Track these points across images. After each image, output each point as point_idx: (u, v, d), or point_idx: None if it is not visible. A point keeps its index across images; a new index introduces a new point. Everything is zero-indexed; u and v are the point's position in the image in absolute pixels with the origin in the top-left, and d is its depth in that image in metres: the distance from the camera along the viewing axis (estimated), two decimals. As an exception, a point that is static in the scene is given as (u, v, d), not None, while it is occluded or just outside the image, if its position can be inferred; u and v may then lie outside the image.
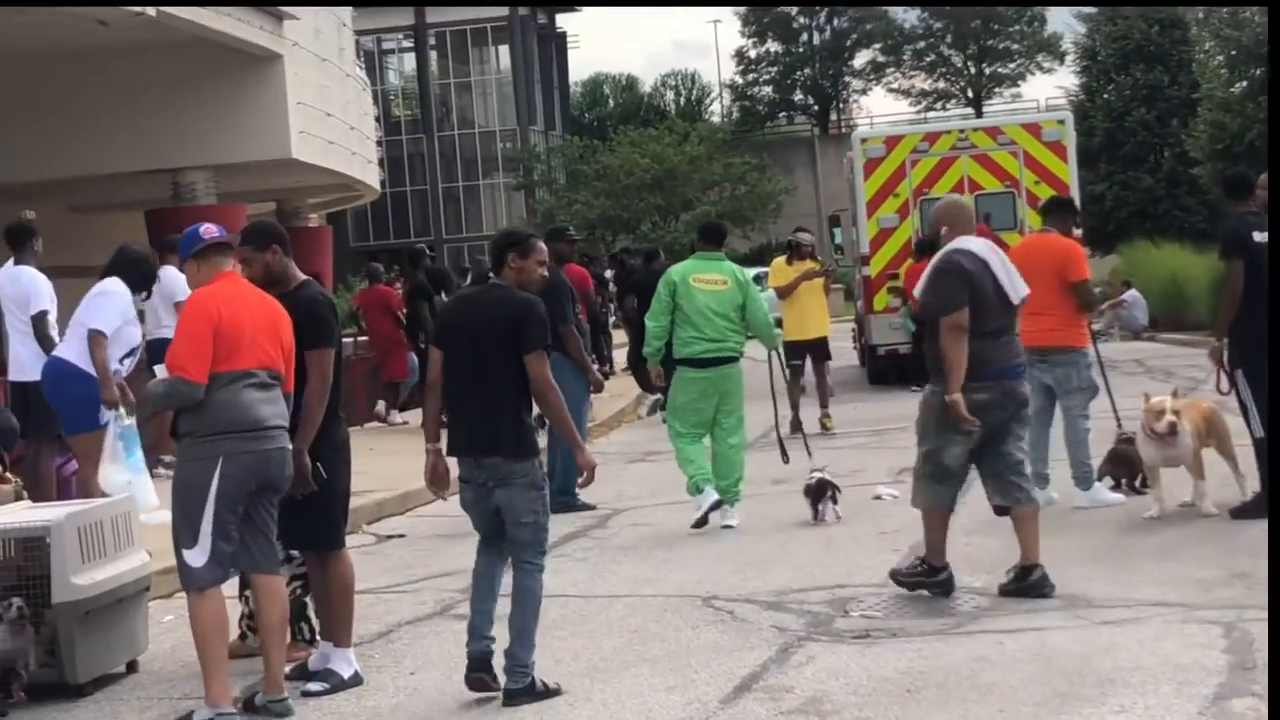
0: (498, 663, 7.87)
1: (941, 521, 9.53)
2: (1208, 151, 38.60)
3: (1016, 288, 9.60)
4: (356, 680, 8.22)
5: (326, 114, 25.91)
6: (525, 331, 7.77)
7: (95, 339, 11.16)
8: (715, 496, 12.31)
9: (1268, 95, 28.75)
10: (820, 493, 12.17)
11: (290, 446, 7.80)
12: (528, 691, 7.71)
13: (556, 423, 8.11)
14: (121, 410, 10.96)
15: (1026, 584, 9.26)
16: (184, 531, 7.56)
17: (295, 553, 8.50)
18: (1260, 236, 11.26)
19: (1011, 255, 13.27)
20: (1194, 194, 43.87)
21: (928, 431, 9.46)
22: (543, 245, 8.18)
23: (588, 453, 8.30)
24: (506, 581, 8.05)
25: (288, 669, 8.47)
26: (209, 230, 7.89)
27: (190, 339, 7.57)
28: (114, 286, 11.45)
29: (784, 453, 13.29)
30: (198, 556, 7.51)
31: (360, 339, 22.24)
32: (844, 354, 26.29)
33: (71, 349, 11.31)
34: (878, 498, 13.24)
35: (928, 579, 9.44)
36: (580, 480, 8.34)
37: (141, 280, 11.78)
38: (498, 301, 7.88)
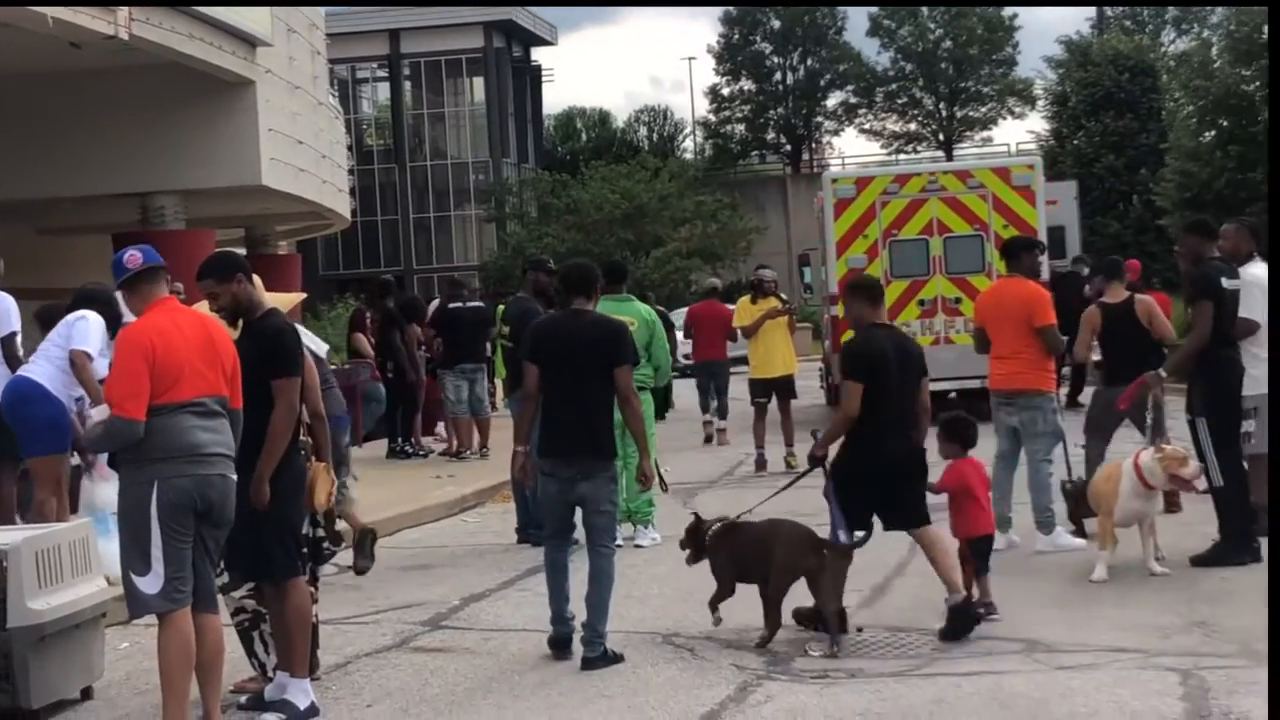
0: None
1: None
2: (1175, 200, 38.85)
3: None
4: (313, 712, 8.18)
5: (298, 141, 25.87)
6: (620, 349, 9.30)
7: (79, 358, 11.09)
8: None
9: (1268, 95, 28.95)
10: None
11: (234, 478, 7.70)
12: (603, 658, 9.03)
13: (635, 429, 9.46)
14: None
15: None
16: (135, 558, 7.48)
17: (237, 586, 8.46)
18: (1228, 283, 11.35)
19: (979, 300, 13.47)
20: (1161, 242, 44.10)
21: None
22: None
23: (650, 462, 9.59)
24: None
25: (243, 699, 8.46)
26: (133, 258, 7.73)
27: (125, 376, 7.45)
28: (92, 315, 11.37)
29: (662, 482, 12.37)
30: (151, 583, 7.45)
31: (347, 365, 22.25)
32: (811, 392, 26.32)
33: (41, 370, 11.19)
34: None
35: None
36: (639, 488, 9.90)
37: (107, 318, 11.53)
38: (592, 324, 9.43)
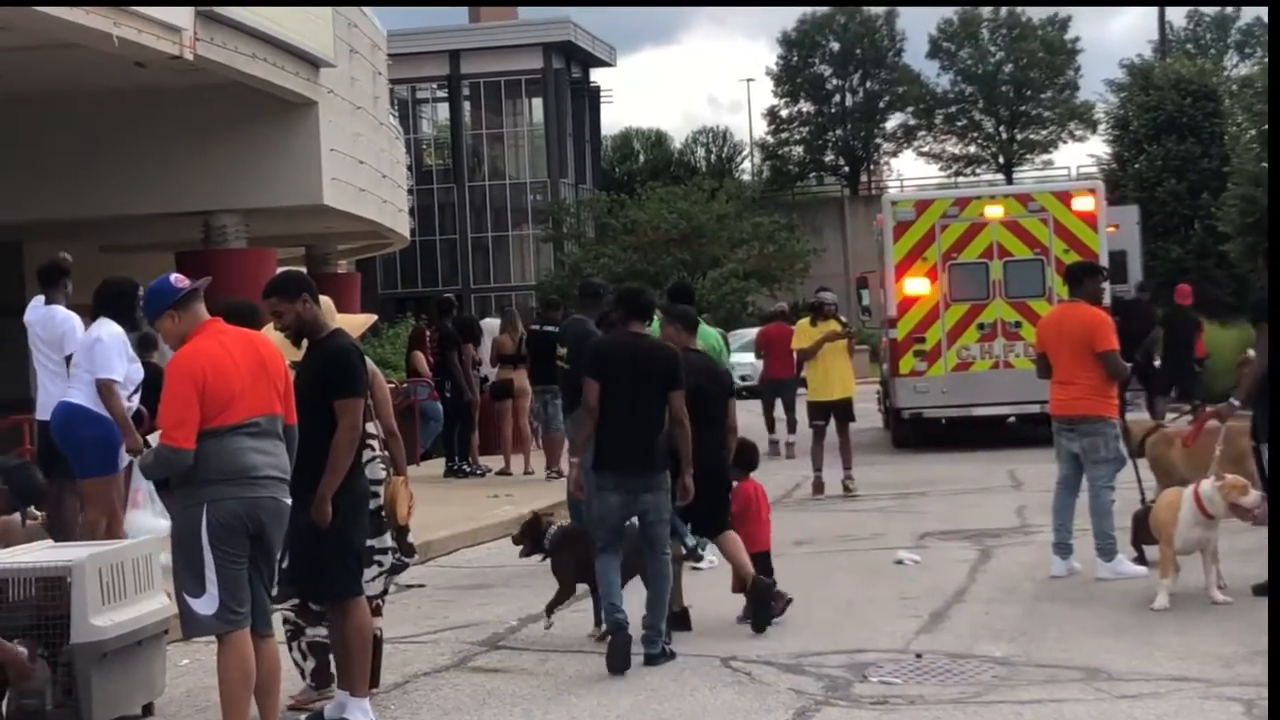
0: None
1: None
2: (1237, 225, 38.55)
3: None
4: (372, 730, 8.21)
5: (359, 161, 26.01)
6: (677, 373, 9.86)
7: (107, 387, 11.04)
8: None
9: (1268, 95, 28.69)
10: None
11: (287, 501, 7.70)
12: (662, 654, 9.65)
13: (684, 450, 9.85)
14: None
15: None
16: (188, 580, 7.49)
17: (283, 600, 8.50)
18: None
19: (1041, 324, 13.39)
20: (1222, 267, 43.78)
21: None
22: None
23: (690, 478, 9.93)
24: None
25: (303, 718, 8.48)
26: (180, 280, 7.72)
27: (175, 404, 7.43)
28: (108, 331, 11.24)
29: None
30: (207, 605, 7.46)
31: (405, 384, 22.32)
32: (869, 416, 26.26)
33: (80, 393, 11.16)
34: (899, 562, 13.19)
35: None
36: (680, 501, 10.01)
37: (129, 311, 11.40)
38: (651, 347, 10.05)
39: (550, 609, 10.54)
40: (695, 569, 12.97)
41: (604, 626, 9.98)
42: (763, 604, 10.62)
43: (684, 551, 10.76)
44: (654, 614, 9.79)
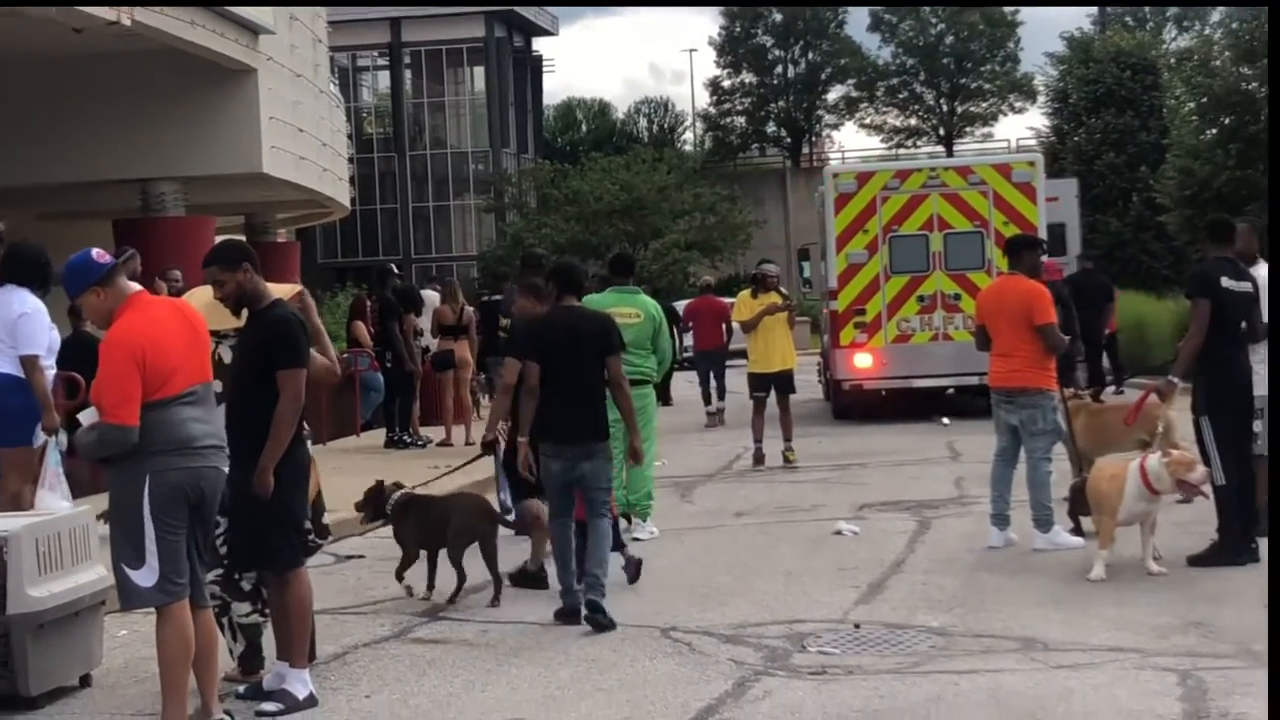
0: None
1: None
2: (1176, 198, 38.81)
3: None
4: (311, 702, 8.18)
5: (299, 130, 25.84)
6: (612, 339, 10.27)
7: (31, 363, 10.88)
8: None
9: (1268, 95, 28.88)
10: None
11: (225, 469, 7.68)
12: (602, 604, 9.84)
13: (627, 409, 10.38)
14: (62, 437, 10.62)
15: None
16: (128, 551, 7.43)
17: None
18: (1229, 283, 11.31)
19: (980, 297, 13.47)
20: (1160, 239, 44.08)
21: None
22: None
23: (640, 440, 10.61)
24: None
25: (241, 689, 8.46)
26: (102, 255, 7.57)
27: (117, 382, 7.32)
28: (31, 304, 11.00)
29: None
30: (146, 576, 7.42)
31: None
32: (810, 387, 26.36)
33: (6, 361, 11.04)
34: (838, 533, 13.25)
35: None
36: (629, 459, 10.71)
37: (40, 278, 11.12)
38: (584, 317, 10.37)
39: (398, 574, 11.01)
40: (636, 539, 13.06)
41: (433, 590, 10.84)
42: (531, 578, 11.24)
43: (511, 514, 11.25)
44: (595, 566, 10.08)
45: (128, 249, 13.31)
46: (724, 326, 25.77)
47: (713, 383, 25.60)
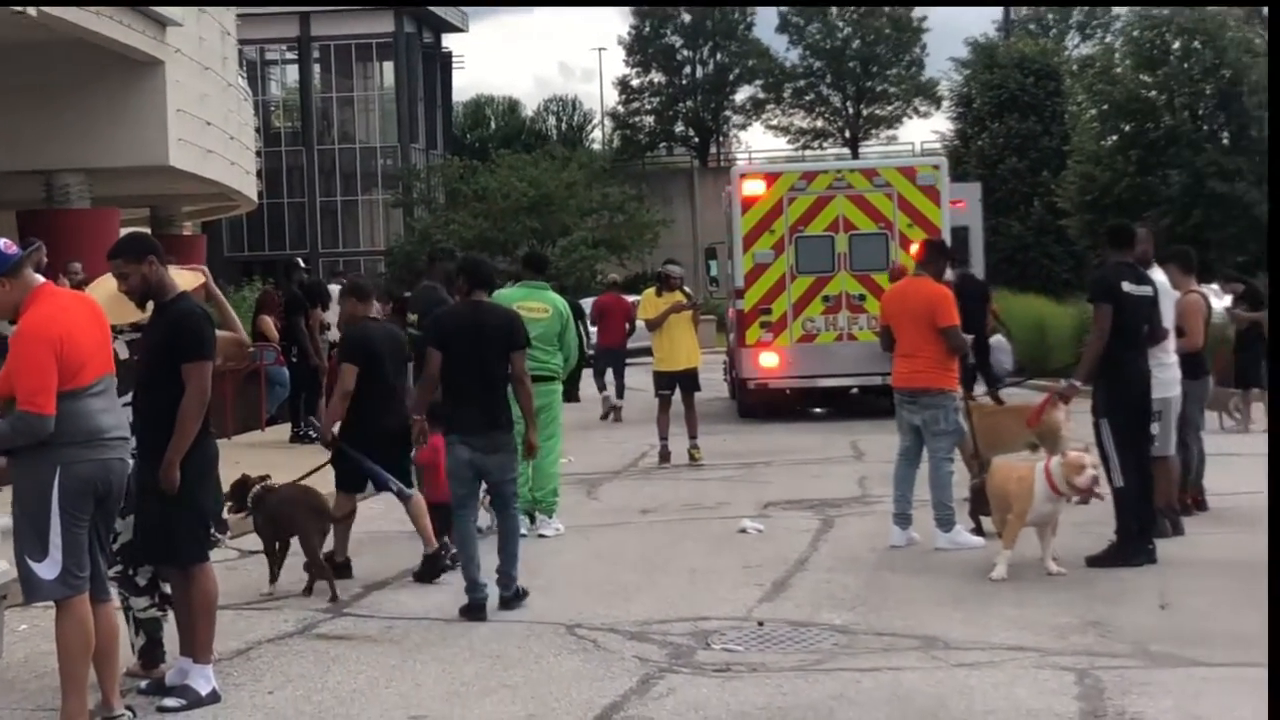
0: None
1: None
2: (1076, 203, 39.29)
3: None
4: (214, 698, 8.15)
5: (206, 122, 25.68)
6: (518, 335, 10.48)
7: None
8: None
9: (1268, 95, 29.16)
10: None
11: (130, 461, 7.68)
12: (516, 596, 10.37)
13: (527, 405, 10.60)
14: None
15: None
16: (32, 543, 7.37)
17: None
18: (1130, 287, 11.48)
19: (885, 298, 13.59)
20: (1061, 243, 44.53)
21: None
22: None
23: (536, 434, 10.98)
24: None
25: (143, 684, 8.41)
26: (9, 246, 7.50)
27: (34, 370, 7.27)
28: None
29: None
30: (49, 569, 7.37)
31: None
32: (715, 385, 26.46)
33: None
34: (743, 531, 13.33)
35: None
36: (524, 454, 10.88)
37: None
38: (492, 313, 10.58)
39: (271, 572, 11.30)
40: (542, 536, 13.09)
41: (316, 588, 10.99)
42: (433, 563, 11.52)
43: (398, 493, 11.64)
44: (507, 562, 10.39)
45: (34, 240, 13.21)
46: (626, 325, 26.11)
47: (610, 378, 25.95)
